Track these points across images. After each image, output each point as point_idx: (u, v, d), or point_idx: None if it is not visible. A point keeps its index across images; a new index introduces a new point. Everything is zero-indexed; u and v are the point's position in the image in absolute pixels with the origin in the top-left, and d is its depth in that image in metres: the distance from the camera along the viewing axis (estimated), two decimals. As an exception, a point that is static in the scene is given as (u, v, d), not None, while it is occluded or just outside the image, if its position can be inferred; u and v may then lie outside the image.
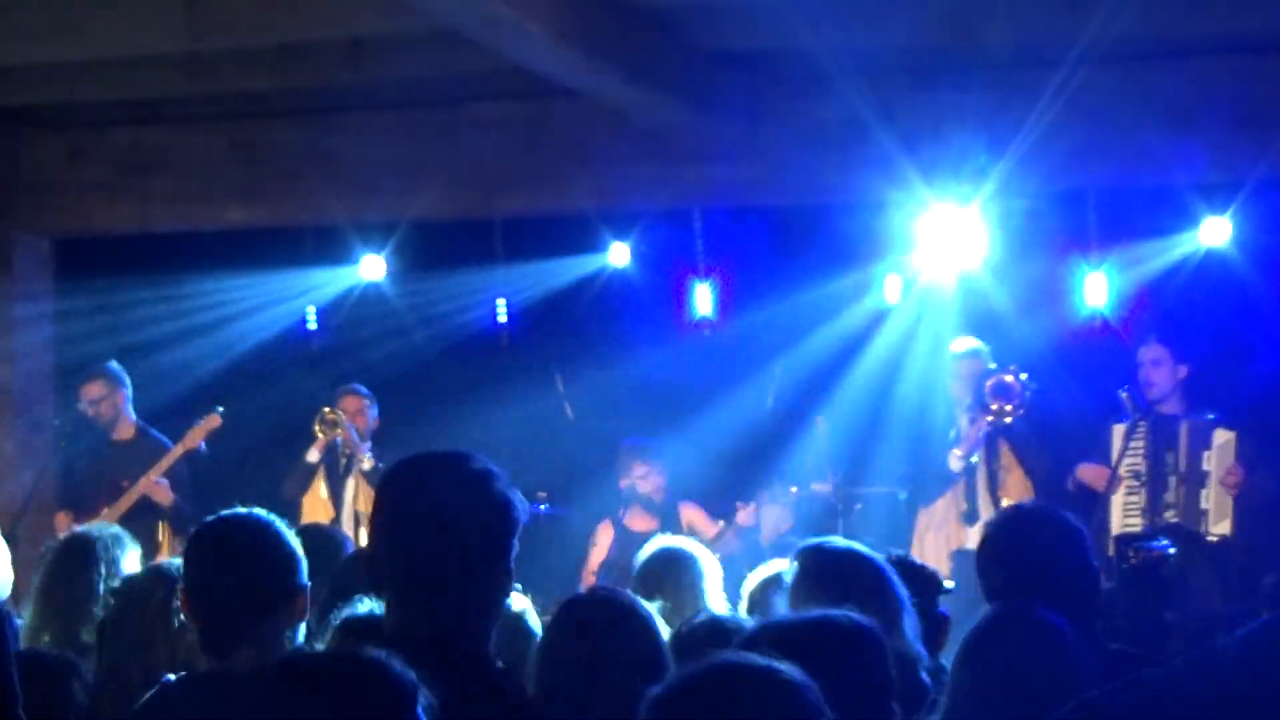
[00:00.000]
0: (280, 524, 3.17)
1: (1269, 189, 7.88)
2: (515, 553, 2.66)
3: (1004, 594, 3.55)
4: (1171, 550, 7.23)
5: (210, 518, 3.19)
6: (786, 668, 2.03)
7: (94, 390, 8.37)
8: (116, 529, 4.58)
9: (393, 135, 8.65)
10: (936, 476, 8.13)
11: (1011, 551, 3.71)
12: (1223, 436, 7.67)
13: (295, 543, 3.14)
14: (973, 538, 7.90)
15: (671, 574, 4.68)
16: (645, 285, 9.35)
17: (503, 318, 9.96)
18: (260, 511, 3.18)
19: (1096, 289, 8.60)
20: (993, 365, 8.07)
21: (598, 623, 3.17)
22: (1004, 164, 7.67)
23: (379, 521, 2.69)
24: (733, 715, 1.98)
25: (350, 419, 8.67)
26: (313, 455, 8.65)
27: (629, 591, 3.57)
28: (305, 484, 8.63)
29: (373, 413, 8.81)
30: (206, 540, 3.14)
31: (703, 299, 9.28)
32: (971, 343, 8.28)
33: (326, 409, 8.69)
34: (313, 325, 10.07)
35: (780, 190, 8.32)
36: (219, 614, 3.01)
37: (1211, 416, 7.72)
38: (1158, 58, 7.62)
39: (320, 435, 8.63)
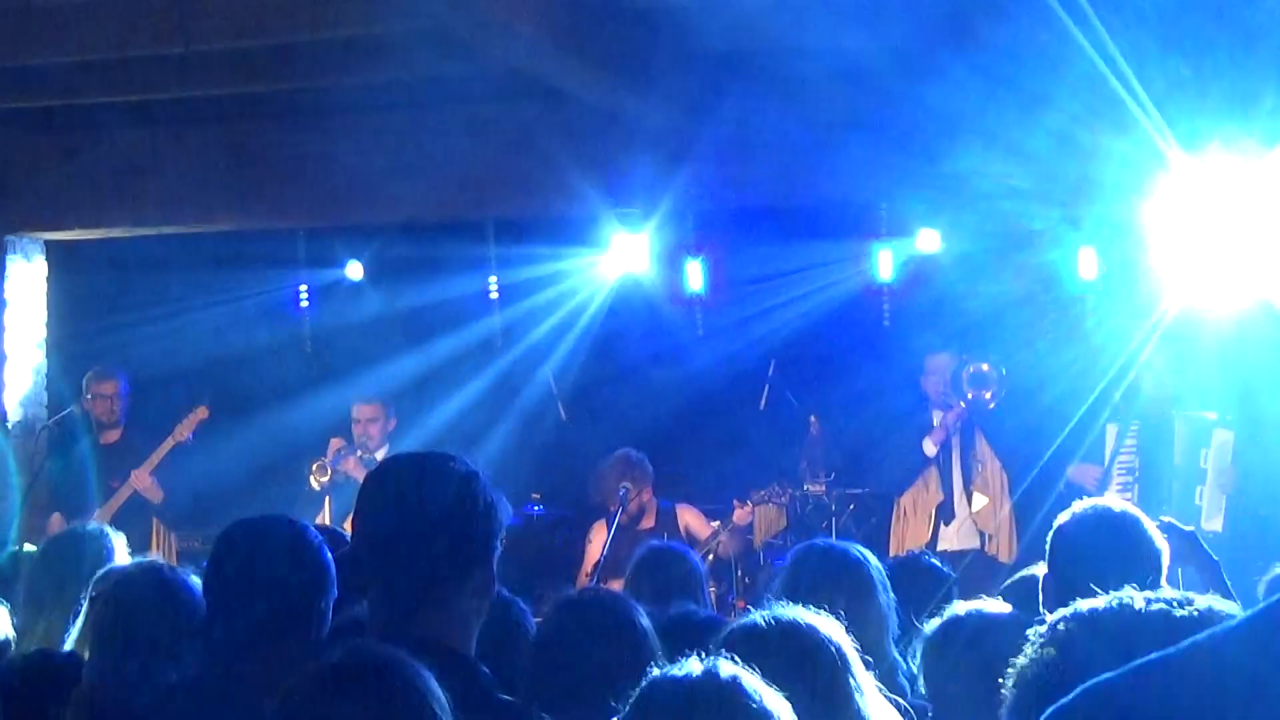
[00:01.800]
0: (312, 537, 3.06)
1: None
2: (498, 553, 2.65)
3: None
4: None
5: (248, 518, 3.10)
6: (754, 685, 2.06)
7: (108, 387, 8.42)
8: (101, 526, 4.56)
9: (386, 137, 8.65)
10: (905, 464, 8.06)
11: None
12: (1221, 436, 7.67)
13: (327, 559, 3.02)
14: (948, 537, 7.90)
15: (660, 574, 4.69)
16: (639, 282, 9.32)
17: (496, 319, 9.96)
18: (299, 522, 3.08)
19: (1089, 264, 8.32)
20: (964, 357, 8.04)
21: (591, 622, 3.17)
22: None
23: (362, 522, 2.67)
24: None
25: (364, 427, 8.58)
26: (314, 485, 8.50)
27: (623, 591, 3.58)
28: (315, 513, 8.25)
29: (389, 418, 8.71)
30: (234, 542, 3.04)
31: (694, 275, 9.21)
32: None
33: (314, 462, 8.47)
34: (304, 303, 10.04)
35: (774, 190, 8.32)
36: (230, 622, 2.95)
37: (1212, 416, 7.71)
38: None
39: (315, 486, 8.42)
